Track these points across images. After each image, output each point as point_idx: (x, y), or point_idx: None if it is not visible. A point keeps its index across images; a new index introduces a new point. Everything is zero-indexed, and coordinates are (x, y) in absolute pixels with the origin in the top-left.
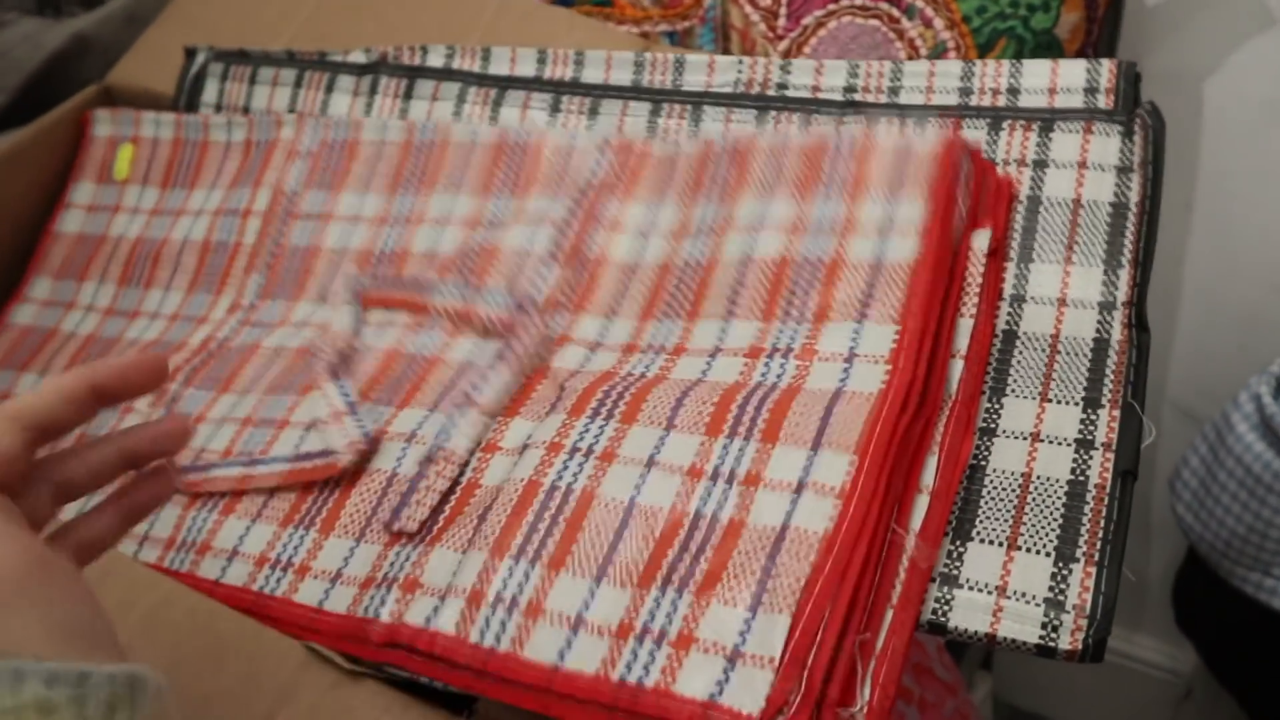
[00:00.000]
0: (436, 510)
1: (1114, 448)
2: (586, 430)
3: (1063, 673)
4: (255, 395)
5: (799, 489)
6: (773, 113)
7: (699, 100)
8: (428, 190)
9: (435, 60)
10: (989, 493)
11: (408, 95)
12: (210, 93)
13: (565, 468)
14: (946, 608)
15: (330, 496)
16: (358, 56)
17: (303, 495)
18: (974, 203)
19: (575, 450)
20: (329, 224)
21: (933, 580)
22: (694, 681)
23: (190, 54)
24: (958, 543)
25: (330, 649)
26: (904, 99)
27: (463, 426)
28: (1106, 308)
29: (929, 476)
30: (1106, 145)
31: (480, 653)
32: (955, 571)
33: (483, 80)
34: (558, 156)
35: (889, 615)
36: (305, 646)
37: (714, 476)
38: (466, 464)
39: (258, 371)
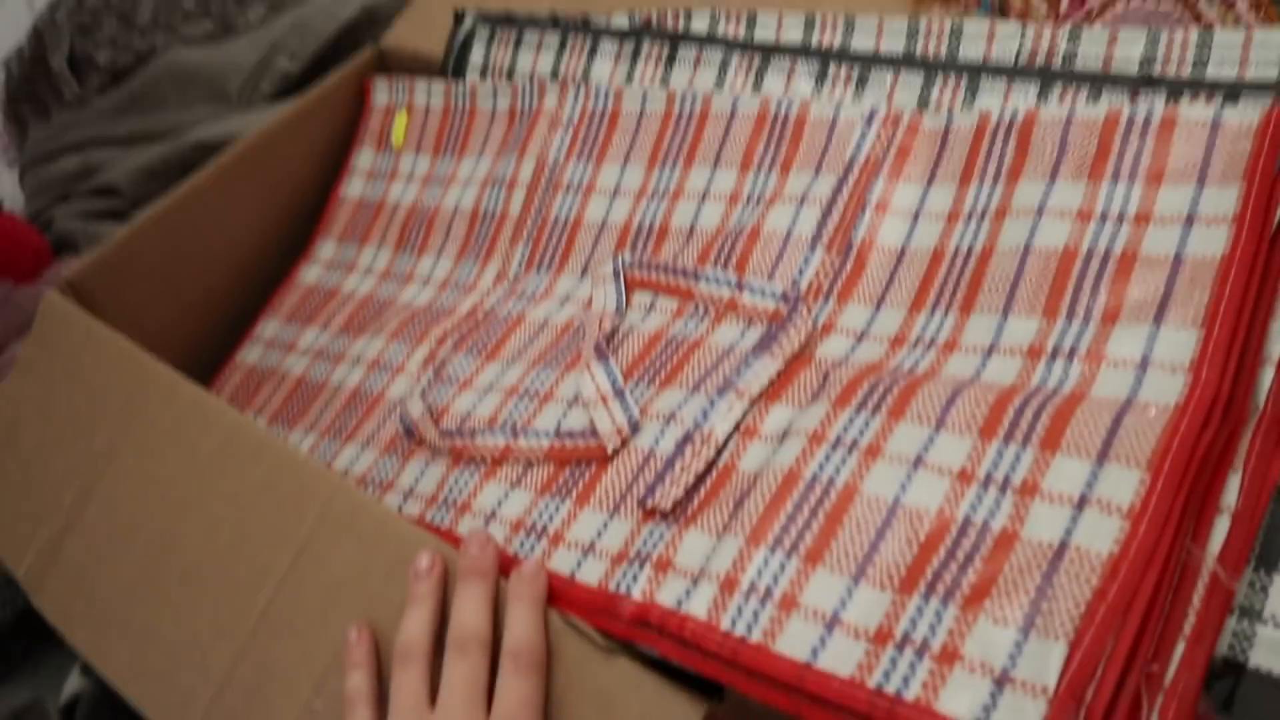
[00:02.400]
0: (692, 491)
1: None
2: (851, 423)
3: None
4: (520, 366)
5: (1081, 504)
6: (1058, 86)
7: (976, 71)
8: (688, 163)
9: (699, 24)
10: None
11: (670, 61)
12: (477, 55)
13: (828, 460)
14: (1246, 644)
15: (587, 470)
16: (621, 20)
17: (560, 466)
18: None
19: (839, 443)
20: (591, 196)
21: (1230, 612)
22: (958, 701)
23: (459, 18)
24: (1261, 572)
25: (581, 621)
26: (1211, 73)
27: (722, 409)
28: None
29: (1230, 496)
30: None
31: (731, 641)
32: (1259, 606)
33: (746, 47)
34: (822, 130)
35: (1180, 648)
36: (560, 616)
37: (986, 482)
38: (724, 447)
39: (523, 343)
